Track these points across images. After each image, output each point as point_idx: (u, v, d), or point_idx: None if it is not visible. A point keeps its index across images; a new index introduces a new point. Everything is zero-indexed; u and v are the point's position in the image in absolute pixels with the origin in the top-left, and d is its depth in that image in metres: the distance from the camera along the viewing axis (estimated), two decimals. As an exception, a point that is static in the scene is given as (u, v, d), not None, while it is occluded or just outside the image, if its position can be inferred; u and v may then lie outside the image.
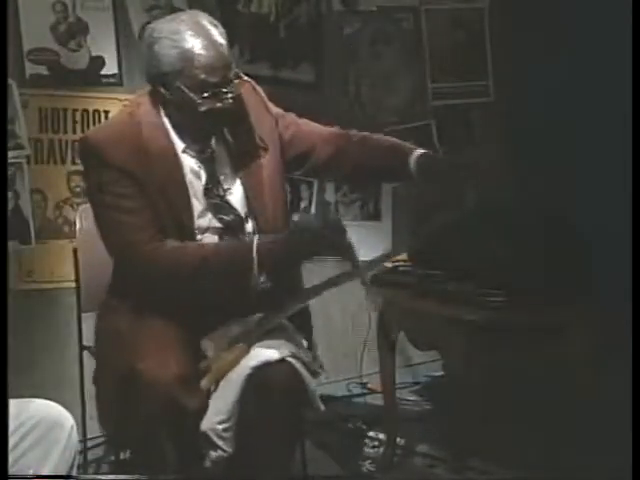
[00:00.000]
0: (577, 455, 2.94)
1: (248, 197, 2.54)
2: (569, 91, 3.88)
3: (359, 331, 3.97)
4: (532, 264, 2.87)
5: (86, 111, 3.60)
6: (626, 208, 2.47)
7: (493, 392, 3.30)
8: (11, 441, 2.07)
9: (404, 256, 3.11)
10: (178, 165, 2.48)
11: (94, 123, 3.59)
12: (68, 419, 2.19)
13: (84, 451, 2.78)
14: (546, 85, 4.01)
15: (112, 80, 3.64)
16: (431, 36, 4.22)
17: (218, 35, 2.41)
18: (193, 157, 2.50)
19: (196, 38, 2.39)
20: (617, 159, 3.19)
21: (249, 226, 2.54)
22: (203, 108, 2.40)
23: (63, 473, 2.13)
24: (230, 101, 2.43)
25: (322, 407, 2.53)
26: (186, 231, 2.46)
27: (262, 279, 2.41)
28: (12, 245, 3.44)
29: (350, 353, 4.06)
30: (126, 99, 3.64)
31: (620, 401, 2.54)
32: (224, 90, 2.41)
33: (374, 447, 3.42)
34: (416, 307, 3.07)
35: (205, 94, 2.39)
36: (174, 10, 3.72)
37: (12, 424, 2.06)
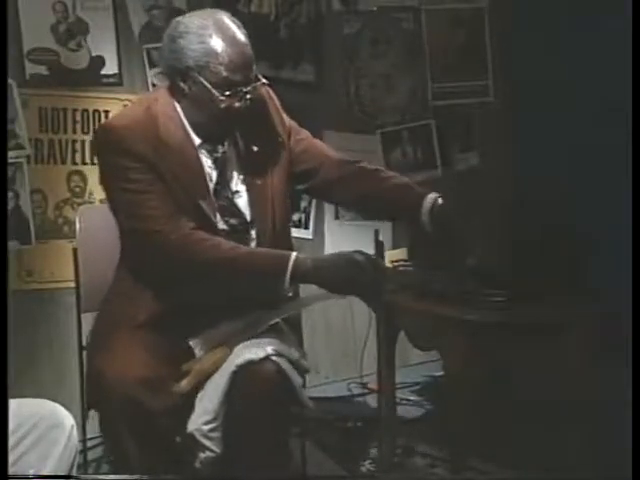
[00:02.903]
0: (577, 455, 2.94)
1: (252, 203, 2.54)
2: (569, 91, 3.88)
3: (359, 331, 3.97)
4: (532, 264, 2.87)
5: (86, 111, 3.60)
6: (626, 208, 2.47)
7: (493, 392, 3.30)
8: (11, 441, 2.06)
9: (404, 256, 3.11)
10: (197, 158, 2.48)
11: (94, 123, 3.59)
12: (68, 419, 2.19)
13: (84, 451, 2.78)
14: (546, 85, 4.01)
15: (112, 80, 3.64)
16: (431, 36, 4.22)
17: (242, 35, 2.43)
18: (206, 155, 2.51)
19: (222, 36, 2.40)
20: (617, 159, 3.19)
21: (253, 232, 2.54)
22: (222, 105, 2.41)
23: (63, 473, 2.13)
24: (249, 102, 2.44)
25: (310, 404, 2.53)
26: (205, 223, 2.46)
27: (290, 293, 2.41)
28: (12, 245, 3.44)
29: (350, 353, 4.06)
30: (126, 99, 3.65)
31: (620, 401, 2.54)
32: (244, 90, 2.42)
33: (374, 447, 3.42)
34: (416, 307, 3.07)
35: (227, 92, 2.39)
36: (174, 10, 3.73)
37: (12, 424, 2.06)
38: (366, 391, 4.00)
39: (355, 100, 4.13)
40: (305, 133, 2.68)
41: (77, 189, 3.60)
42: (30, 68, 3.50)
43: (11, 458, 2.05)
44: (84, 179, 3.61)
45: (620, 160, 2.92)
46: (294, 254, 2.41)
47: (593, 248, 3.02)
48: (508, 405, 3.40)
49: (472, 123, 4.32)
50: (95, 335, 2.55)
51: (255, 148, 2.54)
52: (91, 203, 3.57)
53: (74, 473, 2.18)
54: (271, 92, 2.62)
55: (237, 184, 2.54)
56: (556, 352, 2.93)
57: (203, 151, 2.50)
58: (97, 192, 3.62)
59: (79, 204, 3.55)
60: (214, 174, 2.51)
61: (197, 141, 2.49)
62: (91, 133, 3.59)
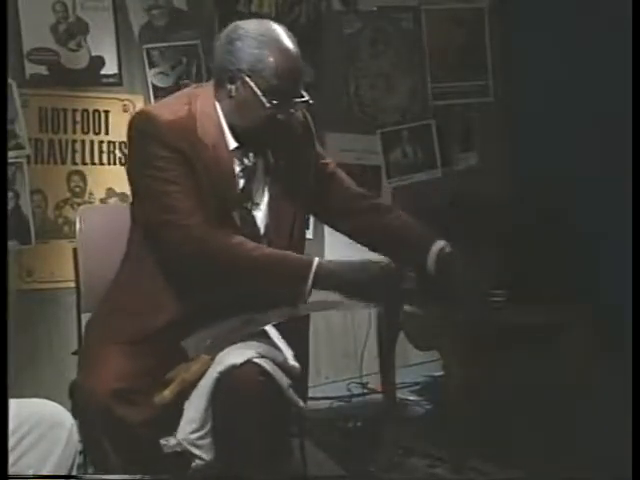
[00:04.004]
0: (577, 454, 2.94)
1: (270, 217, 2.53)
2: (569, 91, 3.88)
3: (359, 331, 3.97)
4: (532, 264, 2.87)
5: (86, 111, 3.60)
6: (626, 208, 2.47)
7: (493, 392, 3.30)
8: (11, 441, 2.06)
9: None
10: (230, 161, 2.47)
11: (94, 123, 3.59)
12: (68, 418, 2.19)
13: (84, 451, 2.78)
14: (546, 85, 4.01)
15: (112, 80, 3.64)
16: (431, 36, 4.22)
17: (296, 50, 2.43)
18: (236, 162, 2.49)
19: (279, 46, 2.40)
20: (617, 158, 3.19)
21: None
22: (267, 113, 2.40)
23: (64, 473, 2.13)
24: (291, 116, 2.45)
25: (302, 403, 2.53)
26: (230, 225, 2.45)
27: (309, 297, 2.41)
28: (12, 245, 3.44)
29: (350, 353, 4.06)
30: (126, 99, 3.65)
31: (620, 400, 2.54)
32: (291, 103, 2.42)
33: (374, 447, 3.42)
34: (416, 307, 3.07)
35: (274, 101, 2.39)
36: (174, 10, 3.74)
37: (12, 424, 2.06)
38: (366, 391, 4.00)
39: (355, 100, 4.13)
40: (329, 159, 2.68)
41: (77, 189, 3.60)
42: (30, 68, 3.51)
43: (11, 458, 2.05)
44: (84, 179, 3.61)
45: (620, 160, 2.92)
46: (317, 258, 2.41)
47: (593, 248, 3.02)
48: (508, 405, 3.41)
49: (472, 123, 4.32)
50: (83, 347, 2.56)
51: (284, 164, 2.53)
52: (91, 203, 3.57)
53: (74, 473, 2.18)
54: (307, 113, 2.61)
55: (259, 196, 2.54)
56: (556, 352, 2.93)
57: (235, 156, 2.49)
58: (97, 192, 3.63)
59: (79, 204, 3.55)
60: (241, 182, 2.50)
61: (232, 145, 2.47)
62: (91, 133, 3.60)
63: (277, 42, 2.41)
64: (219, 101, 2.47)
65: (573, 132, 3.84)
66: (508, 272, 2.87)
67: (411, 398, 3.91)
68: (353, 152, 4.00)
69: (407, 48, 4.21)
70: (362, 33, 4.14)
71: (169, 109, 2.48)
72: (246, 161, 2.50)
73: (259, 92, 2.39)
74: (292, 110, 2.44)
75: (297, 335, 2.59)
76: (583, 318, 2.95)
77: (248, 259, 2.40)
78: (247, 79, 2.40)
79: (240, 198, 2.50)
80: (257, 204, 2.53)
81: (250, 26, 2.46)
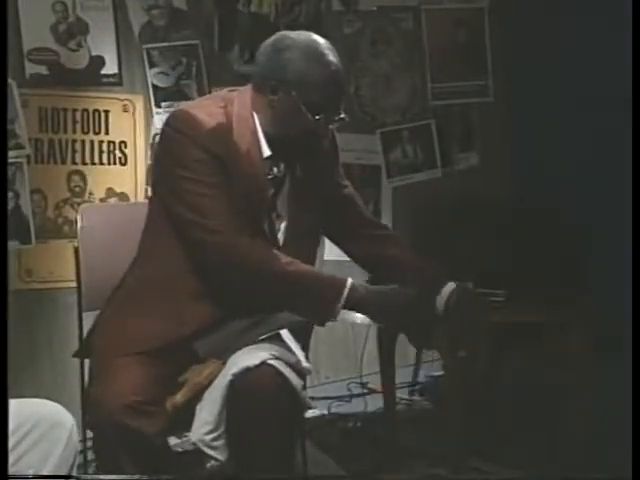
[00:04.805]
0: (577, 454, 2.94)
1: (288, 231, 2.52)
2: (569, 91, 3.88)
3: (359, 331, 3.97)
4: (532, 263, 2.87)
5: (86, 111, 3.60)
6: (626, 207, 2.47)
7: (493, 391, 3.30)
8: (11, 441, 2.06)
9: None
10: (263, 169, 2.45)
11: (94, 123, 3.59)
12: (68, 419, 2.19)
13: (84, 451, 2.78)
14: (546, 85, 4.01)
15: (112, 80, 3.64)
16: (431, 36, 4.22)
17: (340, 67, 2.41)
18: (267, 171, 2.47)
19: (326, 61, 2.38)
20: (617, 157, 3.19)
21: None
22: (308, 127, 2.38)
23: (64, 473, 2.13)
24: (328, 132, 2.44)
25: (312, 405, 2.53)
26: (261, 235, 2.44)
27: (337, 316, 2.40)
28: (12, 245, 3.44)
29: (350, 353, 4.06)
30: (126, 99, 3.65)
31: (620, 399, 2.54)
32: (330, 119, 2.41)
33: (374, 447, 3.42)
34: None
35: (317, 116, 2.37)
36: (174, 10, 3.74)
37: (12, 424, 2.06)
38: (366, 391, 4.00)
39: (355, 100, 4.13)
40: (347, 182, 2.68)
41: (77, 189, 3.60)
42: (30, 68, 3.50)
43: (11, 458, 2.05)
44: (84, 179, 3.61)
45: (620, 160, 2.92)
46: (350, 280, 2.40)
47: (593, 248, 3.02)
48: (508, 405, 3.41)
49: (472, 123, 4.32)
50: (95, 357, 2.52)
51: (309, 178, 2.52)
52: (91, 203, 3.57)
53: (74, 473, 2.18)
54: (335, 131, 2.59)
55: (283, 208, 2.52)
56: (556, 352, 2.93)
57: (266, 165, 2.47)
58: (97, 192, 3.63)
59: (79, 204, 3.54)
60: (270, 191, 2.49)
61: (266, 153, 2.45)
62: (91, 133, 3.60)
63: (324, 57, 2.38)
64: (256, 108, 2.45)
65: (573, 132, 3.84)
66: (508, 272, 2.87)
67: (411, 398, 3.91)
68: (353, 152, 4.00)
69: (407, 48, 4.20)
70: (362, 33, 4.14)
71: (206, 111, 2.44)
72: (275, 170, 2.49)
73: (303, 106, 2.37)
74: (331, 126, 2.44)
75: (300, 335, 2.60)
76: (583, 318, 2.95)
77: (283, 273, 2.38)
78: (291, 91, 2.37)
79: (268, 208, 2.49)
80: (280, 215, 2.52)
81: (298, 38, 2.41)
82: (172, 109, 2.93)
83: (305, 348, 2.58)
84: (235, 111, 2.44)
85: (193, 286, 2.45)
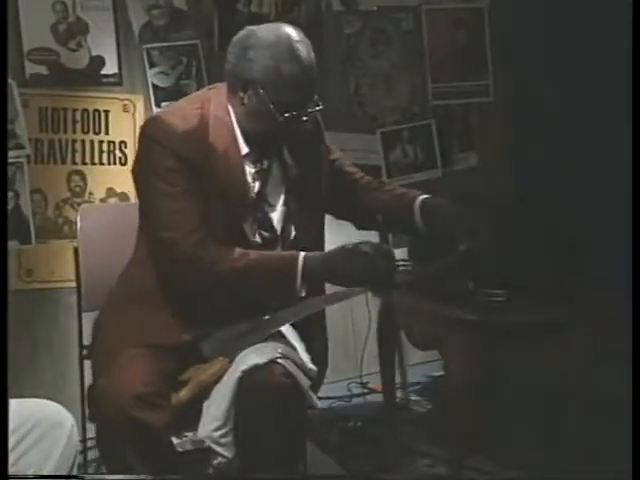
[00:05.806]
0: (577, 455, 2.94)
1: (285, 220, 2.53)
2: (569, 91, 3.88)
3: (359, 331, 3.97)
4: (532, 262, 2.87)
5: (86, 111, 3.60)
6: (626, 206, 2.47)
7: (493, 391, 3.30)
8: (11, 441, 2.06)
9: (405, 256, 3.11)
10: (242, 167, 2.45)
11: (94, 123, 3.59)
12: (68, 418, 2.19)
13: (84, 451, 2.78)
14: (546, 85, 4.01)
15: (112, 80, 3.64)
16: (431, 36, 4.22)
17: (311, 57, 2.39)
18: (249, 166, 2.48)
19: (292, 57, 2.35)
20: (617, 157, 3.19)
21: (279, 247, 2.52)
22: (278, 125, 2.37)
23: (64, 473, 2.13)
24: (303, 124, 2.43)
25: (319, 405, 2.53)
26: (239, 234, 2.44)
27: (302, 292, 2.39)
28: (12, 245, 3.44)
29: (350, 353, 4.05)
30: (126, 99, 3.65)
31: (620, 399, 2.54)
32: (302, 113, 2.39)
33: (373, 447, 3.42)
34: (416, 307, 3.07)
35: (286, 114, 2.35)
36: (174, 10, 3.74)
37: (12, 424, 2.06)
38: (366, 391, 4.00)
39: (355, 100, 4.13)
40: (336, 154, 2.67)
41: (77, 189, 3.60)
42: (30, 68, 3.50)
43: (11, 458, 2.05)
44: (84, 179, 3.61)
45: (620, 160, 2.92)
46: (302, 253, 2.39)
47: (593, 247, 3.02)
48: (508, 404, 3.41)
49: (472, 123, 4.32)
50: (101, 350, 2.53)
51: (299, 165, 2.52)
52: (91, 203, 3.57)
53: (74, 473, 2.18)
54: (318, 115, 2.58)
55: (274, 198, 2.52)
56: (556, 352, 2.93)
57: (247, 161, 2.47)
58: (97, 192, 3.63)
59: (79, 204, 3.54)
60: (256, 185, 2.48)
61: (244, 150, 2.46)
62: (91, 133, 3.60)
63: (291, 52, 2.36)
64: (232, 105, 2.45)
65: (573, 132, 3.84)
66: (508, 272, 2.87)
67: (411, 398, 3.91)
68: (353, 152, 3.99)
69: (407, 48, 4.20)
70: (362, 33, 4.14)
71: (181, 115, 2.44)
72: (261, 165, 2.49)
73: (271, 105, 2.36)
74: (305, 118, 2.42)
75: (314, 335, 2.60)
76: (583, 318, 2.94)
77: (232, 271, 2.37)
78: (259, 89, 2.36)
79: (255, 201, 2.48)
80: (272, 206, 2.51)
81: (264, 35, 2.38)
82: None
83: (309, 350, 2.59)
84: (211, 110, 2.44)
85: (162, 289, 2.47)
